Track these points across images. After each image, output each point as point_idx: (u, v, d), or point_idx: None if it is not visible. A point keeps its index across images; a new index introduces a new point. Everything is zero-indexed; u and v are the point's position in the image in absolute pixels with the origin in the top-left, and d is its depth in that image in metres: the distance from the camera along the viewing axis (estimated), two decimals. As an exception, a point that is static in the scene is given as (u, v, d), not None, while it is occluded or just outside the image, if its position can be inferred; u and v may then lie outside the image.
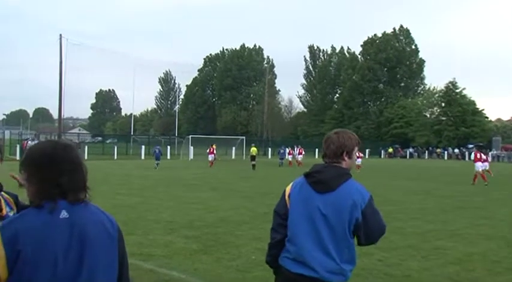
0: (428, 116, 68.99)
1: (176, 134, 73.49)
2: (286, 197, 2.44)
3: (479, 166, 20.13)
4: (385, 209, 11.46)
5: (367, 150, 61.44)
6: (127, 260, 1.72)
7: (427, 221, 9.93)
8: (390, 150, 62.10)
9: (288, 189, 2.48)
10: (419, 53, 75.84)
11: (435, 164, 39.76)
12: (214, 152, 34.25)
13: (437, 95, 68.18)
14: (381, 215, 2.50)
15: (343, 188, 2.35)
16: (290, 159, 34.59)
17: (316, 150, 55.66)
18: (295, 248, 2.36)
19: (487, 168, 20.85)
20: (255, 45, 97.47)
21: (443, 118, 65.27)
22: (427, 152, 61.21)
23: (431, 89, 71.64)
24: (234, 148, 46.52)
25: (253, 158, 29.25)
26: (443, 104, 66.14)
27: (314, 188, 2.36)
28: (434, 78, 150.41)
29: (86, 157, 38.07)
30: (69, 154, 1.60)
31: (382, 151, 62.93)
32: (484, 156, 21.06)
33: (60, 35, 43.75)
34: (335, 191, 2.34)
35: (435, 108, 68.65)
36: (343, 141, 2.49)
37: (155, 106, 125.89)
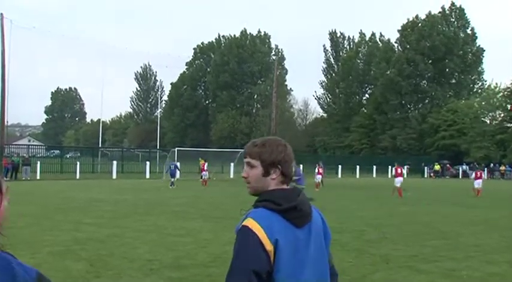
0: (488, 122, 68.89)
1: (158, 146, 73.77)
2: (268, 247, 2.21)
3: (398, 181, 26.88)
4: (432, 244, 11.41)
5: (405, 167, 61.46)
6: None
7: (488, 262, 9.82)
8: (437, 167, 61.96)
9: (260, 233, 2.20)
10: (477, 40, 76.14)
11: (498, 186, 39.55)
12: (205, 168, 34.90)
13: (500, 94, 68.13)
14: None
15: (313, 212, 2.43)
16: (318, 180, 33.70)
17: (340, 167, 55.76)
18: None
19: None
20: (259, 32, 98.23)
21: (509, 125, 65.09)
22: (486, 169, 60.93)
23: (492, 86, 71.71)
24: (232, 164, 46.53)
25: None
26: (509, 107, 66.00)
27: (294, 223, 2.29)
28: (497, 73, 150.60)
29: (38, 176, 38.24)
30: None
31: (426, 168, 62.78)
32: (403, 171, 27.11)
33: (1, 14, 43.77)
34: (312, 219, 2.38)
35: (498, 112, 68.57)
36: None
37: (130, 110, 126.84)
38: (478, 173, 29.77)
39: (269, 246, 2.19)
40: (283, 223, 2.25)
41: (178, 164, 35.06)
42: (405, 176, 26.82)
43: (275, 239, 2.20)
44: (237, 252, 2.17)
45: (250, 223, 2.20)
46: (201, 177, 34.95)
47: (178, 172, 32.75)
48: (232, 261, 2.16)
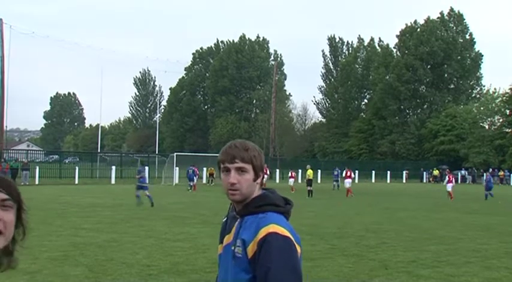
0: (487, 127, 68.90)
1: (157, 151, 73.65)
2: (299, 250, 2.21)
3: (348, 182, 30.75)
4: (431, 249, 11.40)
5: (404, 172, 61.47)
6: None
7: (487, 267, 9.82)
8: (435, 172, 61.94)
9: (292, 238, 2.18)
10: (476, 45, 76.28)
11: (496, 191, 39.56)
12: (198, 172, 36.99)
13: (499, 99, 68.17)
14: None
15: None
16: (291, 183, 36.02)
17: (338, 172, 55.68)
18: None
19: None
20: (258, 37, 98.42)
21: (508, 130, 65.11)
22: (485, 174, 60.81)
23: (490, 91, 71.75)
24: (231, 169, 46.55)
25: (309, 182, 29.87)
26: (507, 112, 66.06)
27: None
28: (495, 78, 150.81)
29: (37, 181, 38.18)
30: None
31: (425, 173, 62.78)
32: (352, 174, 32.71)
33: (1, 19, 43.92)
34: None
35: (496, 117, 68.59)
36: None
37: (129, 115, 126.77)
38: (450, 176, 31.49)
39: (299, 250, 2.19)
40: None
41: (194, 169, 37.29)
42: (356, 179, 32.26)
43: (299, 240, 2.22)
44: (284, 262, 2.08)
45: (280, 229, 2.13)
46: (210, 182, 37.98)
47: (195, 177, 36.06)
48: (280, 273, 2.05)
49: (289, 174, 38.18)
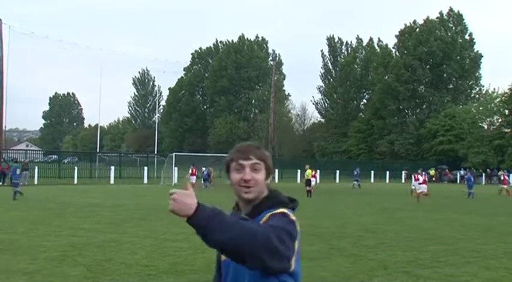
0: (486, 127, 68.91)
1: (156, 151, 73.63)
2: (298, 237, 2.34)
3: (311, 181, 32.15)
4: (430, 250, 11.39)
5: (403, 172, 61.40)
6: None
7: (487, 267, 9.82)
8: (432, 172, 61.79)
9: (296, 223, 2.30)
10: (475, 46, 76.29)
11: (496, 191, 39.58)
12: (197, 173, 37.15)
13: (498, 99, 68.18)
14: None
15: None
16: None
17: (337, 172, 55.74)
18: None
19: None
20: (257, 37, 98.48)
21: (507, 130, 65.13)
22: (484, 174, 60.92)
23: (490, 92, 71.76)
24: (230, 169, 46.51)
25: (308, 182, 29.79)
26: (506, 112, 66.06)
27: None
28: (494, 78, 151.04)
29: (36, 181, 38.14)
30: None
31: (424, 173, 62.62)
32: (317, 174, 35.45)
33: (0, 19, 43.95)
34: None
35: (495, 117, 68.60)
36: None
37: (128, 115, 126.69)
38: (416, 176, 32.43)
39: (298, 236, 2.27)
40: None
41: (209, 169, 39.30)
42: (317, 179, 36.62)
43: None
44: (284, 225, 2.16)
45: (288, 213, 2.25)
46: (208, 181, 38.19)
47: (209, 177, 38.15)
48: (277, 228, 2.11)
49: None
